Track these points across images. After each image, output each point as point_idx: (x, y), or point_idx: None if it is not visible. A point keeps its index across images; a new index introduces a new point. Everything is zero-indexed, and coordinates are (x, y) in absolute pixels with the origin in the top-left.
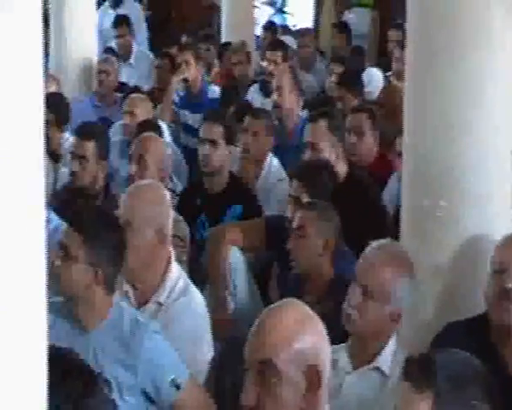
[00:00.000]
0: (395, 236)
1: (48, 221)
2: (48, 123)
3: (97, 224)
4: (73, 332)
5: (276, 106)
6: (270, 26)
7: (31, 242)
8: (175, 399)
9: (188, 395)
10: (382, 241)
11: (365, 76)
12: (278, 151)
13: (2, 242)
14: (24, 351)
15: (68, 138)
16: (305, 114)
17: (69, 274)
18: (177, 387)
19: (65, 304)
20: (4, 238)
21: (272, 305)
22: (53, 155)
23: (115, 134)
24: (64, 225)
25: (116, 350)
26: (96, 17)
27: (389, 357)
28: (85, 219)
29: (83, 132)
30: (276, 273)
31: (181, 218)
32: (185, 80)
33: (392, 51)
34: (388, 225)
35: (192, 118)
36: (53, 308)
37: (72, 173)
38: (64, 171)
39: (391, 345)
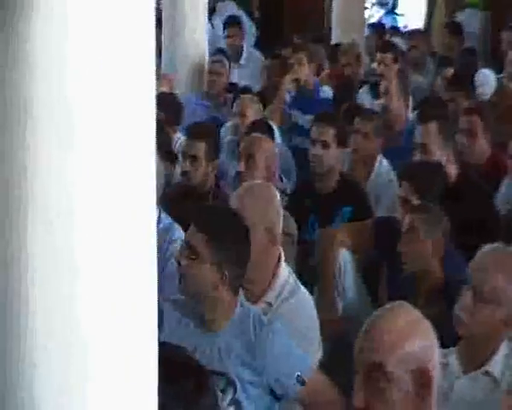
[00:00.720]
0: (507, 239)
1: (159, 220)
2: (160, 123)
3: (222, 223)
4: (198, 331)
5: (385, 108)
6: (379, 28)
7: (142, 240)
8: (301, 395)
9: (313, 390)
10: (495, 245)
11: (477, 77)
12: (387, 153)
13: (114, 240)
14: (135, 348)
15: (180, 138)
16: (414, 115)
17: (195, 274)
18: (303, 383)
19: (190, 303)
20: (116, 237)
21: (382, 307)
22: (165, 154)
23: (226, 134)
24: (174, 225)
25: (241, 350)
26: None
27: (500, 362)
28: (210, 218)
29: (194, 132)
30: (385, 275)
31: (290, 216)
32: (297, 81)
33: (505, 53)
34: (500, 228)
35: (303, 118)
36: (178, 307)
37: (184, 173)
38: (176, 170)
39: (502, 349)
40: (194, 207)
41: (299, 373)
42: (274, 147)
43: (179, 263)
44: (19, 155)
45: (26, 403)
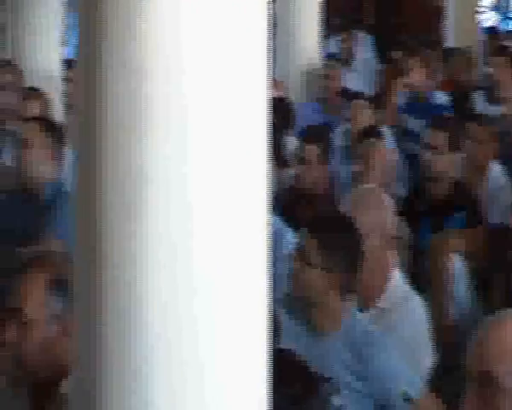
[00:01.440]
0: None
1: (270, 224)
2: (272, 127)
3: (334, 229)
4: (308, 335)
5: (502, 114)
6: (493, 32)
7: (254, 243)
8: None
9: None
10: None
11: None
12: (502, 159)
13: (227, 242)
14: (247, 349)
15: (292, 142)
16: None
17: (305, 278)
18: (409, 400)
19: (300, 306)
20: (229, 239)
21: (494, 316)
22: (277, 158)
23: (338, 138)
24: (285, 228)
25: (348, 357)
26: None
27: None
28: (322, 224)
29: (306, 136)
30: (498, 283)
31: (401, 220)
32: (410, 85)
33: None
34: None
35: (415, 123)
36: (288, 310)
37: (296, 176)
38: (287, 174)
39: None
40: (306, 211)
41: (405, 389)
42: (390, 153)
43: (290, 267)
44: (136, 154)
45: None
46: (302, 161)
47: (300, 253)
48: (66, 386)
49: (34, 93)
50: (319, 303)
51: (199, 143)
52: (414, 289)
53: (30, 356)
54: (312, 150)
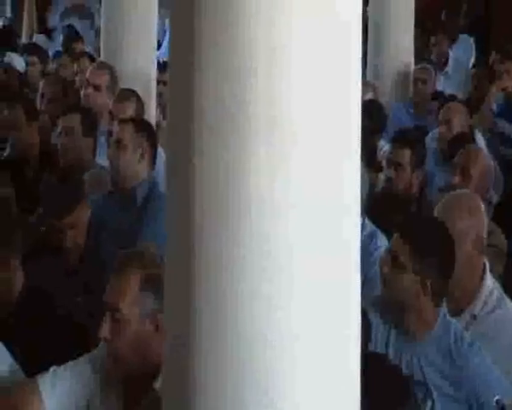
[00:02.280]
0: None
1: (363, 227)
2: (365, 130)
3: (428, 234)
4: (400, 339)
5: None
6: None
7: (347, 246)
8: None
9: None
10: None
11: None
12: None
13: (319, 244)
14: (338, 353)
15: (384, 145)
16: None
17: (398, 282)
18: (502, 408)
19: (393, 311)
20: (321, 242)
21: None
22: (369, 161)
23: (431, 142)
24: (378, 232)
25: (441, 362)
26: None
27: None
28: (416, 228)
29: (399, 140)
30: None
31: (497, 228)
32: (506, 90)
33: None
34: None
35: (509, 128)
36: (380, 313)
37: (388, 180)
38: (380, 178)
39: None
40: (400, 215)
41: (498, 397)
42: (486, 158)
43: (382, 270)
44: (223, 154)
45: None
46: (394, 164)
47: (393, 257)
48: (159, 383)
49: (129, 94)
50: (411, 308)
51: (291, 146)
52: (509, 296)
53: (123, 353)
54: (405, 154)
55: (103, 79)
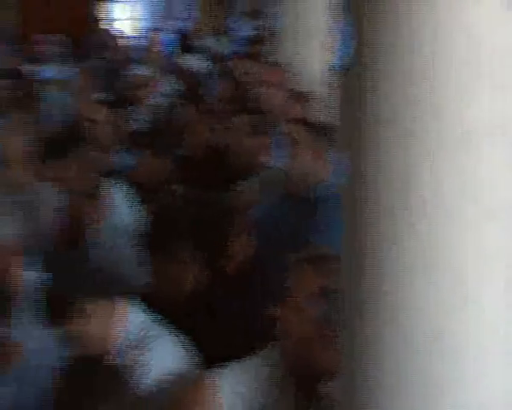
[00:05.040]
0: None
1: None
2: None
3: None
4: None
5: None
6: None
7: None
8: None
9: None
10: None
11: None
12: None
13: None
14: None
15: None
16: None
17: None
18: None
19: None
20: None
21: None
22: None
23: None
24: None
25: None
26: None
27: None
28: None
29: None
30: None
31: None
32: None
33: None
34: None
35: None
36: None
37: None
38: None
39: None
40: None
41: None
42: None
43: None
44: (405, 159)
45: None
46: None
47: None
48: (330, 388)
49: (301, 95)
50: None
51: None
52: None
53: (295, 353)
54: None
55: (277, 80)
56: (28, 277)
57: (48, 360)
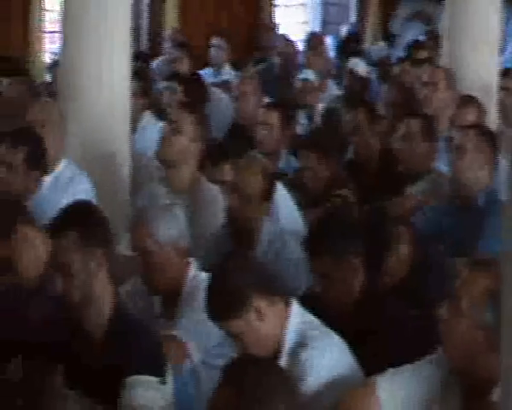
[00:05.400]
0: None
1: None
2: None
3: None
4: None
5: None
6: None
7: None
8: None
9: None
10: None
11: None
12: None
13: None
14: None
15: None
16: None
17: None
18: None
19: None
20: None
21: None
22: None
23: None
24: None
25: None
26: None
27: None
28: None
29: None
30: None
31: None
32: None
33: None
34: None
35: None
36: None
37: None
38: None
39: None
40: None
41: None
42: None
43: None
44: None
45: None
46: None
47: None
48: (496, 395)
49: (470, 100)
50: None
51: None
52: None
53: (459, 357)
54: None
55: (444, 85)
56: (196, 277)
57: (216, 360)
